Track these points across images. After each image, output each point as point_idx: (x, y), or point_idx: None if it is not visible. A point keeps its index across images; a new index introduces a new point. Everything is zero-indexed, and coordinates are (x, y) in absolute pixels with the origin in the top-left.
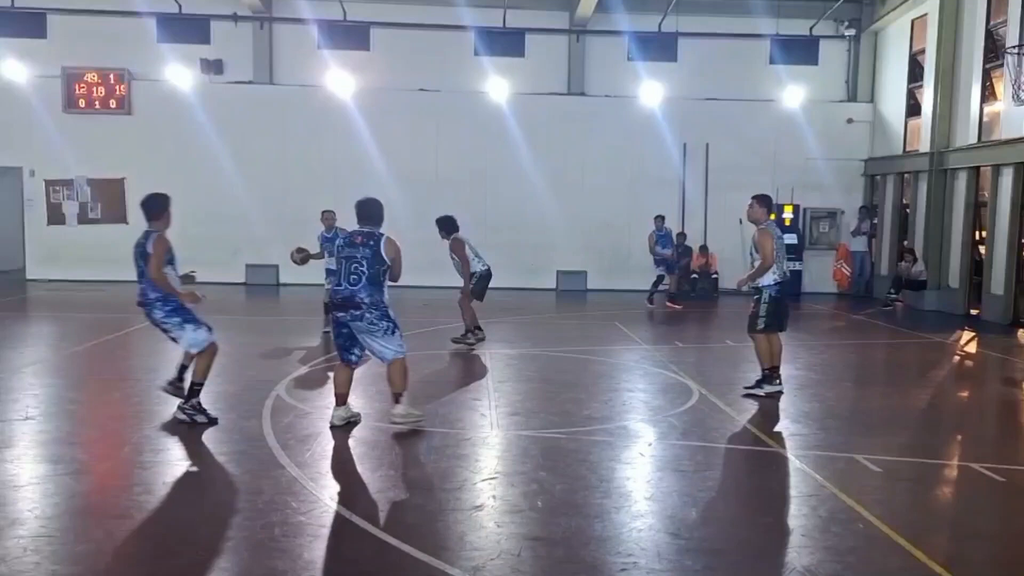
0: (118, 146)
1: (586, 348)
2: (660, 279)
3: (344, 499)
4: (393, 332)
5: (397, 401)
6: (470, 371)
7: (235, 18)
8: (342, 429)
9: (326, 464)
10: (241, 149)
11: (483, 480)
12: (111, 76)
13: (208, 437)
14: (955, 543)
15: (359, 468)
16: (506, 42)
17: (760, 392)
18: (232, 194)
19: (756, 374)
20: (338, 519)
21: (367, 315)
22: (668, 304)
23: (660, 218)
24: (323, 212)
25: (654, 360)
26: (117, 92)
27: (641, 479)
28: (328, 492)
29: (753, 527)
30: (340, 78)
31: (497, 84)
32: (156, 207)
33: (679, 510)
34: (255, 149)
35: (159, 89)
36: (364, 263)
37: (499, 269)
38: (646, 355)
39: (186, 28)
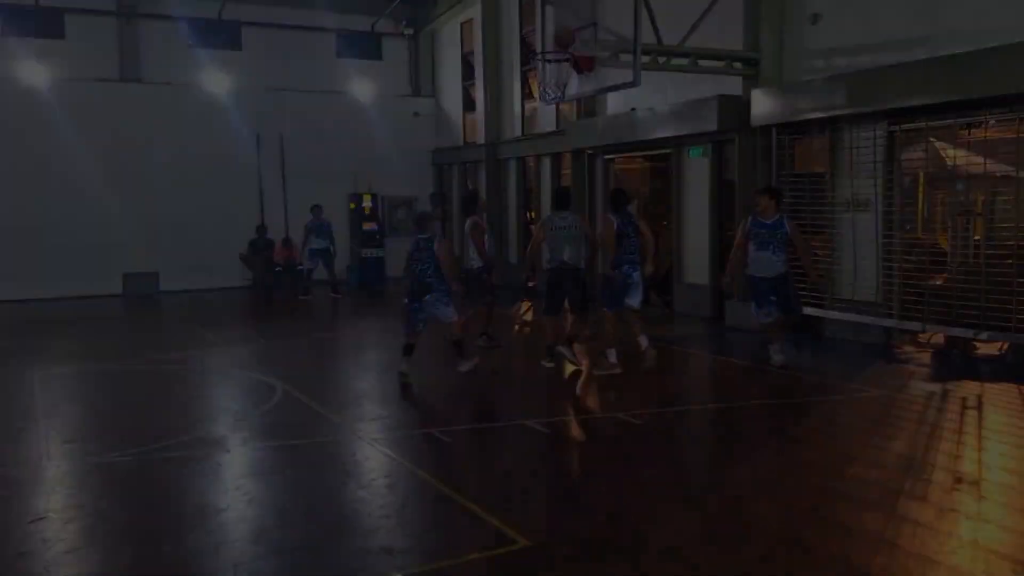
0: None
1: (158, 356)
2: (309, 273)
3: None
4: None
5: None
6: (13, 396)
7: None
8: None
9: None
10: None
11: (30, 523)
12: None
13: None
14: (503, 493)
15: None
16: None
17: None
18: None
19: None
20: None
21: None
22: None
23: (317, 208)
24: None
25: (236, 360)
26: None
27: (218, 491)
28: None
29: (335, 517)
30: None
31: (31, 68)
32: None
33: (258, 516)
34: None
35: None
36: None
37: (50, 276)
38: (227, 356)
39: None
